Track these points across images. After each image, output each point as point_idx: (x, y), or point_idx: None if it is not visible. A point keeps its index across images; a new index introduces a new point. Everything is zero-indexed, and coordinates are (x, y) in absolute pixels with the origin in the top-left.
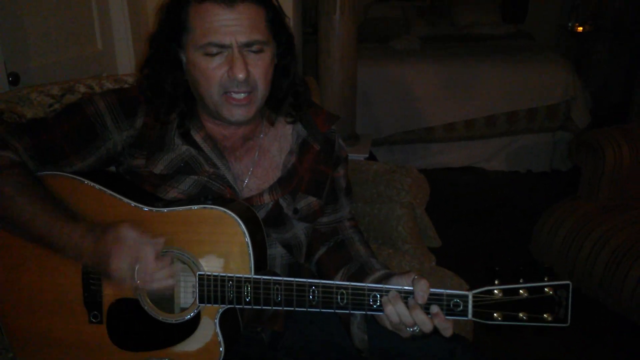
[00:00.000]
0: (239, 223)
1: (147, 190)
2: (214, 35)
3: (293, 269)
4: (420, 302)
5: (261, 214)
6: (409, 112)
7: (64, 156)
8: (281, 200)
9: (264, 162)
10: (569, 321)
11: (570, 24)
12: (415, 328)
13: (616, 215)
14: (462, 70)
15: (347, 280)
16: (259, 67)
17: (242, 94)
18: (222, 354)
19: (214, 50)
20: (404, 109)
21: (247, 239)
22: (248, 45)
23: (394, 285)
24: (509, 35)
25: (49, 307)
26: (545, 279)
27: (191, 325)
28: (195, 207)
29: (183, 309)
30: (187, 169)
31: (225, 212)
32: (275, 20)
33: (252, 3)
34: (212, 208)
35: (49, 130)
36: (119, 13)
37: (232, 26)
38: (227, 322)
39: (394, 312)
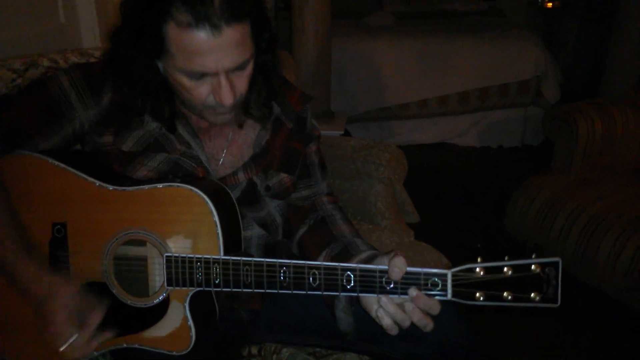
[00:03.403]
0: (207, 202)
1: (115, 170)
2: (198, 64)
3: (270, 249)
4: (394, 278)
5: (236, 194)
6: (383, 89)
7: (27, 136)
8: (255, 178)
9: (238, 139)
10: (558, 301)
11: (540, 0)
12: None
13: (589, 188)
14: (435, 47)
15: (331, 261)
16: (243, 82)
17: (230, 110)
18: (193, 339)
19: (197, 75)
20: (378, 86)
21: (216, 219)
22: (235, 68)
23: (375, 265)
24: (481, 12)
25: (20, 325)
26: (533, 257)
27: (160, 310)
28: (161, 185)
29: (156, 292)
30: (157, 146)
31: (191, 190)
32: (259, 24)
33: (238, 23)
34: (178, 186)
35: (11, 109)
36: None
37: (217, 53)
38: (199, 305)
39: (387, 319)
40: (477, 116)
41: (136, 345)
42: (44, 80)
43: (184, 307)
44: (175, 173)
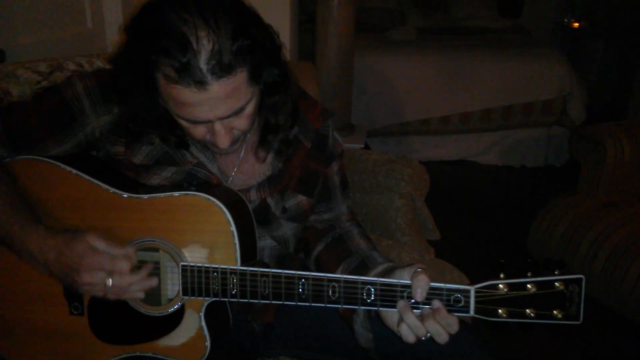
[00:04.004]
0: (224, 211)
1: (128, 176)
2: (189, 114)
3: (282, 260)
4: (418, 299)
5: None
6: (404, 104)
7: (39, 140)
8: (269, 200)
9: (250, 157)
10: (581, 318)
11: (566, 20)
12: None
13: (616, 212)
14: (458, 63)
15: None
16: (243, 122)
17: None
18: (208, 349)
19: (192, 122)
20: (399, 100)
21: (233, 228)
22: (231, 115)
23: (395, 279)
24: (505, 29)
25: (30, 298)
26: (556, 273)
27: (175, 319)
28: (177, 193)
29: (170, 301)
30: (168, 160)
31: (209, 199)
32: (259, 67)
33: (229, 76)
34: (195, 195)
35: (25, 112)
36: None
37: (207, 106)
38: (213, 315)
39: (405, 327)
40: (499, 134)
41: (150, 354)
42: (58, 86)
43: (200, 316)
44: (190, 181)
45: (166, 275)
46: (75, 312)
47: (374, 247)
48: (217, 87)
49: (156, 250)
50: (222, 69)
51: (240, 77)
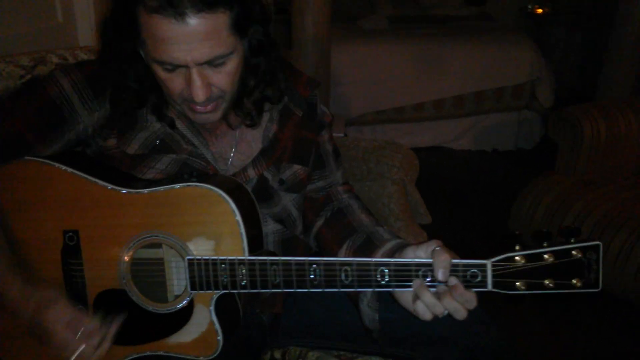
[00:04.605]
0: (228, 201)
1: (123, 171)
2: (166, 54)
3: (287, 245)
4: (440, 279)
5: None
6: (379, 92)
7: (29, 147)
8: (266, 173)
9: (245, 135)
10: (600, 286)
11: (529, 6)
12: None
13: (595, 189)
14: (430, 51)
15: (353, 255)
16: (223, 79)
17: (207, 106)
18: (221, 343)
19: (169, 67)
20: (374, 89)
21: (238, 218)
22: (208, 62)
23: (408, 258)
24: (472, 16)
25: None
26: (572, 241)
27: (184, 315)
28: (178, 185)
29: (177, 296)
30: (164, 147)
31: (211, 189)
32: (243, 17)
33: (210, 12)
34: (196, 186)
35: (8, 117)
36: None
37: (185, 44)
38: (223, 308)
39: (422, 306)
40: (472, 120)
41: (161, 352)
42: (40, 83)
43: (210, 310)
44: (190, 172)
45: (171, 271)
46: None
47: (377, 221)
48: (197, 22)
49: (159, 246)
50: (205, 3)
51: (222, 20)
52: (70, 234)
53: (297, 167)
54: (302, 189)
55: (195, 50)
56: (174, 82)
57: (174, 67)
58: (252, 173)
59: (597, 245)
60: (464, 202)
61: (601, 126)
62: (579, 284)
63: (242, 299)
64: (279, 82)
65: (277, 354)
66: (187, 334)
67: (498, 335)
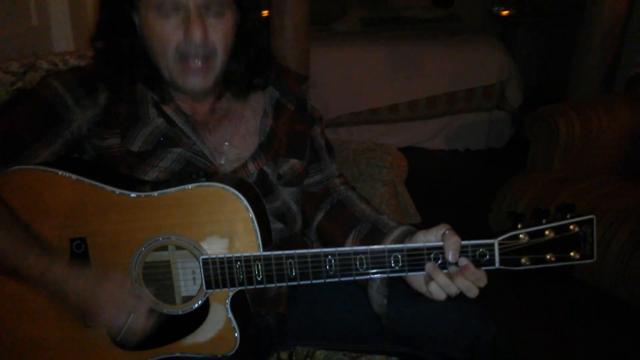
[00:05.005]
0: (241, 198)
1: (125, 174)
2: None
3: (287, 244)
4: (451, 260)
5: None
6: (354, 94)
7: (26, 146)
8: (265, 168)
9: (239, 128)
10: (595, 256)
11: (495, 8)
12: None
13: (571, 186)
14: (403, 53)
15: (361, 243)
16: (219, 32)
17: (199, 61)
18: (238, 340)
19: (169, 9)
20: (349, 91)
21: (251, 214)
22: (207, 6)
23: (419, 243)
24: (440, 18)
25: (38, 313)
26: (568, 216)
27: (200, 314)
28: (190, 186)
29: (185, 298)
30: (169, 142)
31: (223, 187)
32: None
33: None
34: (207, 185)
35: (4, 119)
36: None
37: None
38: (238, 305)
39: (436, 287)
40: (445, 120)
41: (177, 354)
42: (33, 88)
43: (227, 308)
44: (190, 171)
45: (177, 273)
46: (91, 325)
47: (377, 210)
48: None
49: (166, 248)
50: None
51: None
52: (78, 241)
53: (294, 161)
54: (300, 182)
55: None
56: (170, 32)
57: (172, 9)
58: (252, 168)
59: (592, 219)
60: (441, 202)
61: (575, 124)
62: (577, 256)
63: (248, 299)
64: (267, 63)
65: (284, 355)
66: (204, 333)
67: (497, 330)
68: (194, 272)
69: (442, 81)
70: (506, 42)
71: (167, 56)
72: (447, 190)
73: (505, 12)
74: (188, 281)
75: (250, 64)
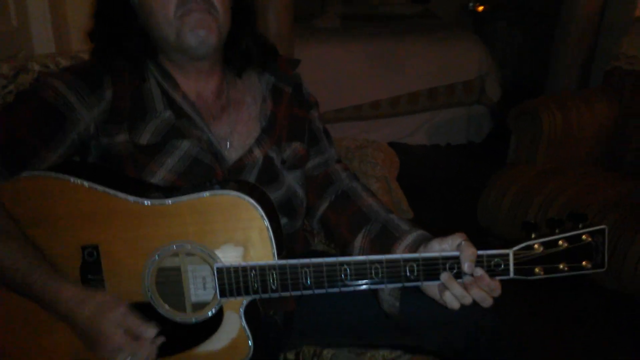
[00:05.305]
0: (256, 206)
1: (138, 179)
2: None
3: (289, 240)
4: (467, 271)
5: (254, 173)
6: (337, 91)
7: (34, 153)
8: (270, 152)
9: (242, 115)
10: (605, 265)
11: (471, 4)
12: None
13: (555, 179)
14: (384, 49)
15: (371, 244)
16: None
17: (202, 5)
18: (252, 349)
19: None
20: (332, 88)
21: (267, 223)
22: None
23: (434, 252)
24: (418, 15)
25: (46, 325)
26: (580, 226)
27: (214, 323)
28: (207, 193)
29: (195, 304)
30: (177, 133)
31: (239, 196)
32: None
33: None
34: (222, 194)
35: (6, 127)
36: None
37: None
38: (251, 313)
39: (451, 297)
40: (426, 116)
41: None
42: (33, 89)
43: (240, 316)
44: (194, 171)
45: (187, 279)
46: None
47: (386, 207)
48: None
49: (176, 255)
50: None
51: None
52: (90, 249)
53: (295, 144)
54: (303, 164)
55: None
56: None
57: None
58: (258, 153)
59: (604, 229)
60: (427, 196)
61: (557, 118)
62: (588, 265)
63: (258, 301)
64: (264, 41)
65: (290, 356)
66: (217, 342)
67: (496, 316)
68: (204, 278)
69: (423, 77)
70: (482, 37)
71: (169, 15)
72: (431, 184)
73: (480, 8)
74: (198, 287)
75: (249, 40)
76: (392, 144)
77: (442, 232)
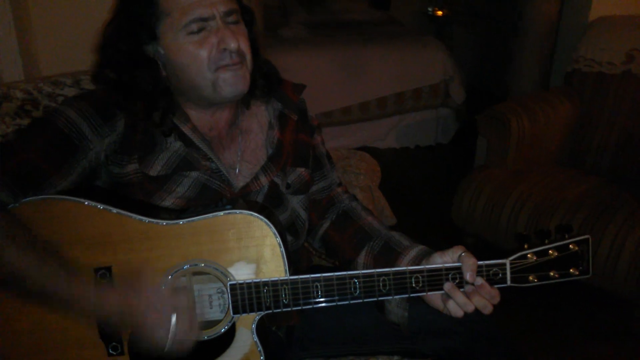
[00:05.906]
0: (268, 224)
1: (145, 201)
2: (195, 10)
3: (295, 255)
4: (469, 280)
5: (259, 199)
6: (308, 98)
7: (45, 177)
8: (275, 179)
9: (249, 143)
10: (590, 272)
11: (430, 9)
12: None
13: (526, 179)
14: (351, 56)
15: (374, 260)
16: (242, 37)
17: (237, 59)
18: None
19: (197, 27)
20: (303, 95)
21: (278, 240)
22: (228, 14)
23: (438, 264)
24: (381, 21)
25: (57, 347)
26: (566, 236)
27: (226, 339)
28: (222, 213)
29: (207, 322)
30: (187, 165)
31: (251, 214)
32: (246, 11)
33: None
34: (236, 213)
35: (19, 152)
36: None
37: (207, 1)
38: (261, 328)
39: (454, 305)
40: (395, 120)
41: None
42: (46, 118)
43: (252, 331)
44: (204, 197)
45: (196, 300)
46: (114, 353)
47: (385, 225)
48: None
49: (184, 275)
50: None
51: None
52: (103, 271)
53: (300, 170)
54: (307, 189)
55: (219, 3)
56: (203, 45)
57: (201, 27)
58: (264, 180)
59: (587, 239)
60: (401, 199)
61: (525, 121)
62: (576, 272)
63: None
64: (274, 70)
65: None
66: (230, 358)
67: (492, 322)
68: (210, 297)
69: (390, 82)
70: (443, 41)
71: (203, 70)
72: (404, 186)
73: (439, 12)
74: (205, 305)
75: (262, 71)
76: (363, 149)
77: (421, 235)
